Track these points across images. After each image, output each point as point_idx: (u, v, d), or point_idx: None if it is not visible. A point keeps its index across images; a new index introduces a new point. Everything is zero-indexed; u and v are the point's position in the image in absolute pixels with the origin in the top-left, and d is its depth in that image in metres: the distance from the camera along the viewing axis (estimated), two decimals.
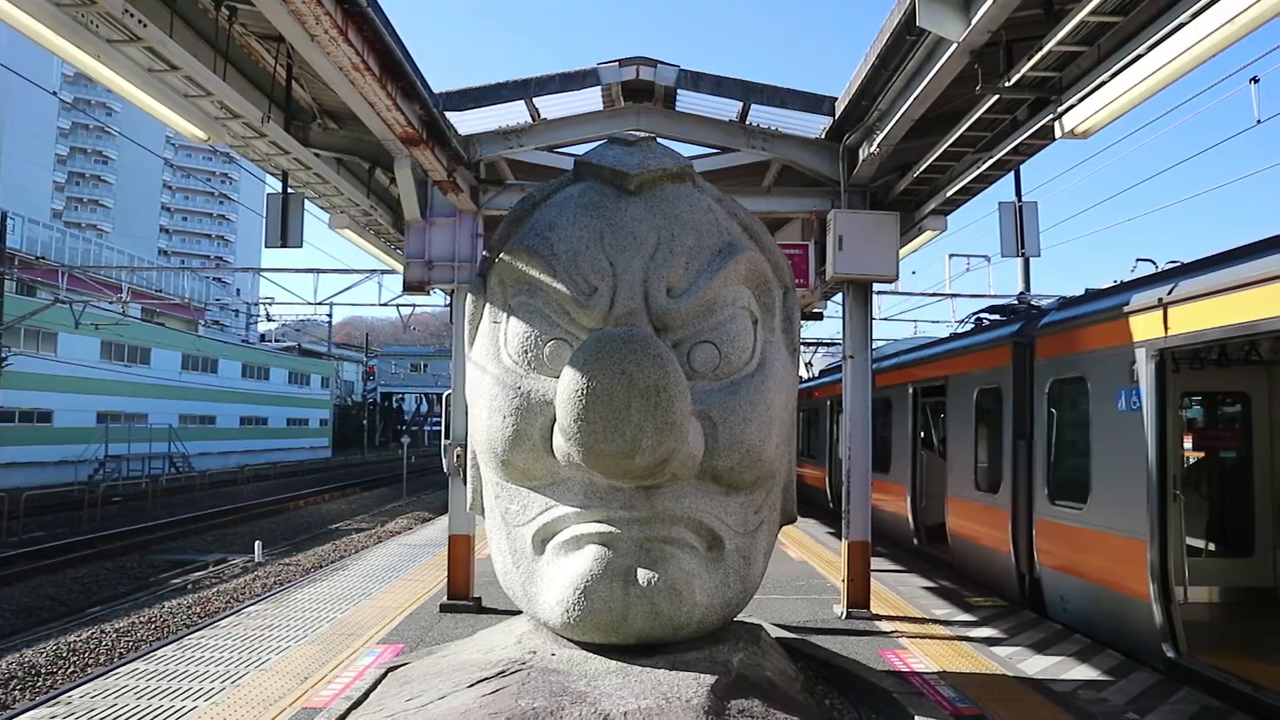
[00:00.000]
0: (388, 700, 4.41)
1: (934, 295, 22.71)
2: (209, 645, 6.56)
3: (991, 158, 6.14)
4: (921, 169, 6.89)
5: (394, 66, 5.16)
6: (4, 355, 29.71)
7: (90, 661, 9.77)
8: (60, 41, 3.97)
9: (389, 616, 7.55)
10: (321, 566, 14.83)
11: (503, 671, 4.37)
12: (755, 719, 4.00)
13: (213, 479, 34.90)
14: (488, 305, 4.81)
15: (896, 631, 7.11)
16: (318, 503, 29.68)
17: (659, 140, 5.49)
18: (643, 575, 4.20)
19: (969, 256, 22.88)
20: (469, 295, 5.07)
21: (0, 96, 61.74)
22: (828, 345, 27.04)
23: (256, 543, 18.52)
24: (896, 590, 8.81)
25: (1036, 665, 6.24)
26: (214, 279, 73.98)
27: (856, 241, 7.24)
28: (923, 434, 11.71)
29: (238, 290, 70.94)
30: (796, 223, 9.63)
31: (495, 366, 4.53)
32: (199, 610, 12.48)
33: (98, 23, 4.08)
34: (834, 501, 15.70)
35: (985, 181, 7.02)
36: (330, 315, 54.69)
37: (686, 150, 8.60)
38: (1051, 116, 5.20)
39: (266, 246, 6.80)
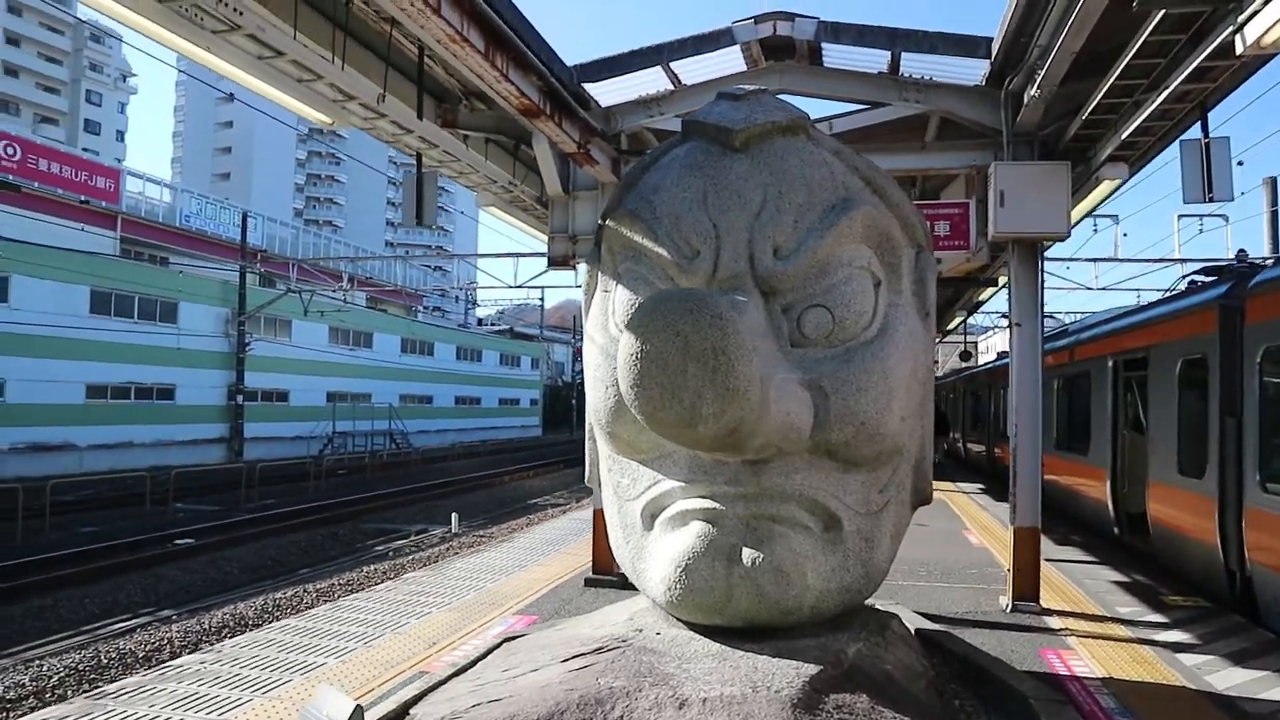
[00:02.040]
0: (488, 670, 4.42)
1: (1156, 261, 20.44)
2: (360, 607, 6.93)
3: (1167, 88, 5.30)
4: (1089, 109, 6.08)
5: (500, 38, 5.13)
6: (248, 341, 33.13)
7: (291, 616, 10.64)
8: (173, 37, 4.22)
9: (535, 588, 7.68)
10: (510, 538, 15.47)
11: (601, 648, 4.27)
12: (857, 715, 3.67)
13: (426, 455, 37.37)
14: (600, 274, 4.71)
15: (1066, 629, 6.38)
16: (522, 479, 31.01)
17: (779, 96, 5.12)
18: (747, 555, 3.98)
19: (1201, 216, 20.51)
20: (585, 266, 4.99)
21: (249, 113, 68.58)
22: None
23: (454, 514, 19.54)
24: (1081, 584, 7.96)
25: (1230, 679, 5.38)
26: (435, 267, 78.98)
27: (1021, 196, 6.52)
28: (1127, 412, 10.55)
29: (458, 277, 75.29)
30: (962, 180, 8.86)
31: (602, 336, 4.43)
32: (391, 575, 13.30)
33: (202, 16, 4.30)
34: None
35: (1169, 119, 6.09)
36: (542, 299, 56.92)
37: (835, 108, 8.15)
38: (1231, 29, 4.38)
39: (401, 225, 7.03)
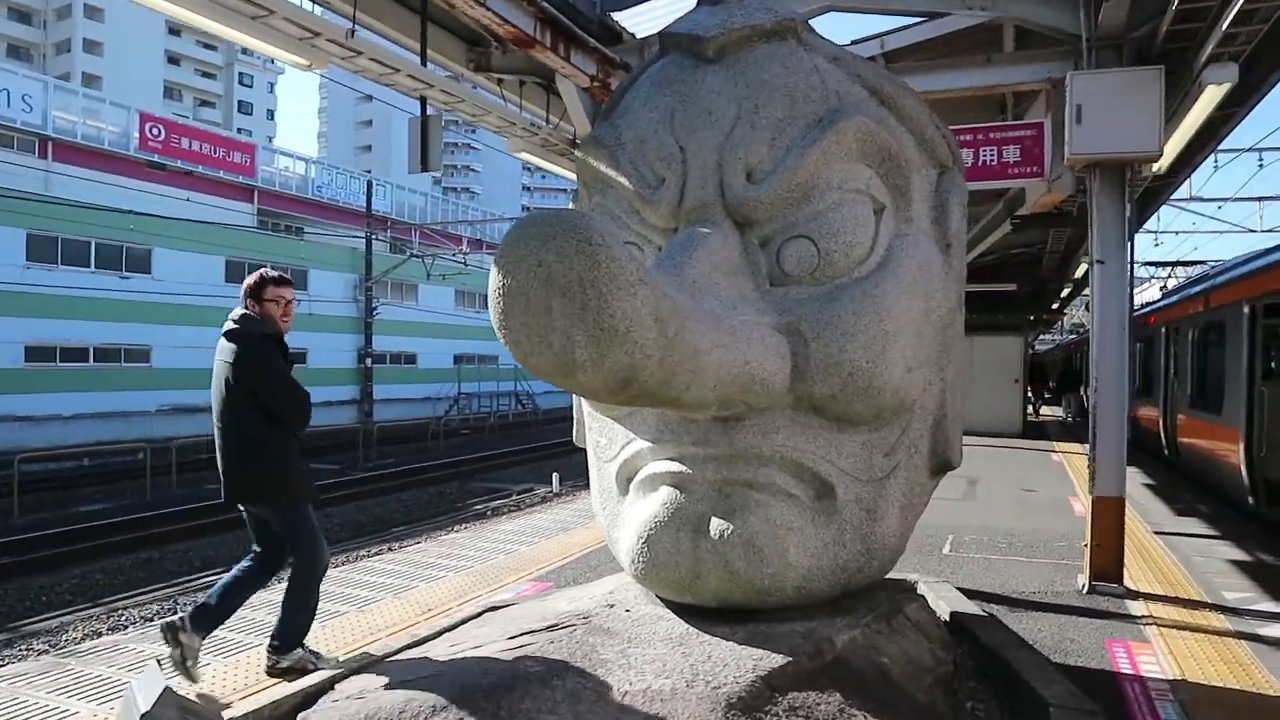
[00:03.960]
0: (437, 646, 4.08)
1: None
2: (376, 569, 6.74)
3: None
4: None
5: None
6: (375, 305, 34.27)
7: None
8: None
9: (568, 554, 7.30)
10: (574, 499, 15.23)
11: (555, 625, 3.88)
12: (815, 718, 3.11)
13: (548, 415, 37.91)
14: None
15: (1148, 616, 5.45)
16: None
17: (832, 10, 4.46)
18: (715, 526, 3.47)
19: None
20: (571, 205, 4.56)
21: None
22: (1184, 265, 22.81)
23: (554, 474, 19.50)
24: (1188, 562, 6.91)
25: None
26: None
27: (1102, 110, 5.53)
28: (1267, 364, 9.19)
29: None
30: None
31: None
32: (474, 535, 13.27)
33: None
34: (1169, 448, 13.17)
35: None
36: None
37: (892, 22, 7.26)
38: None
39: (409, 172, 6.71)
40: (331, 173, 42.00)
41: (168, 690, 2.63)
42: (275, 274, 4.43)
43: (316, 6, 5.32)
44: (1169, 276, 23.20)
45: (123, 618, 8.97)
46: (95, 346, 24.73)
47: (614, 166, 3.90)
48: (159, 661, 2.74)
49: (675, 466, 3.64)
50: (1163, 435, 13.44)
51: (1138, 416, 15.58)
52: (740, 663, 3.30)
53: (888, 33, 7.21)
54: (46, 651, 7.88)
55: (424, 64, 5.98)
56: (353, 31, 5.30)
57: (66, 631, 8.62)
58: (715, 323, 3.05)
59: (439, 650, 3.90)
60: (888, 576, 4.35)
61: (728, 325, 3.13)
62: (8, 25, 55.66)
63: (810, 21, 4.15)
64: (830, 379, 3.42)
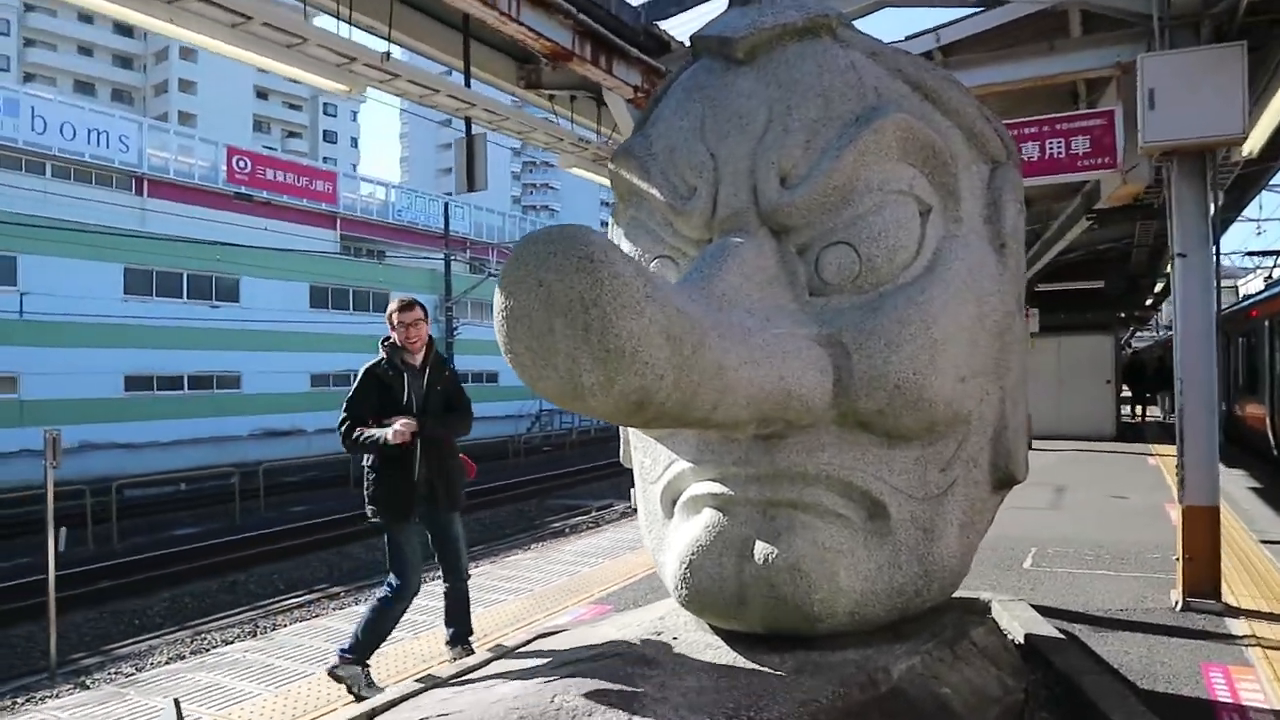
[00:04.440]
0: (481, 675, 4.00)
1: None
2: (437, 593, 6.68)
3: None
4: None
5: None
6: (455, 326, 34.90)
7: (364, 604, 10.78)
8: (127, 11, 4.01)
9: (632, 574, 7.14)
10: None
11: (598, 655, 3.76)
12: None
13: None
14: (615, 227, 4.17)
15: (1251, 636, 5.01)
16: None
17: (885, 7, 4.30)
18: (760, 550, 3.31)
19: None
20: (610, 218, 4.49)
21: None
22: None
23: (632, 490, 19.36)
24: None
25: None
26: None
27: (1178, 93, 5.14)
28: None
29: None
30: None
31: None
32: (540, 555, 13.25)
33: None
34: (1278, 448, 12.35)
35: None
36: None
37: (948, 15, 6.95)
38: None
39: (456, 193, 6.70)
40: (411, 196, 43.01)
41: None
42: (400, 300, 4.81)
43: (355, 31, 5.34)
44: (1275, 266, 21.86)
45: (204, 641, 9.20)
46: (189, 374, 25.77)
47: (645, 178, 3.77)
48: (176, 702, 2.71)
49: (717, 488, 3.47)
50: (1270, 434, 12.62)
51: (1244, 415, 14.69)
52: (786, 695, 3.12)
53: (943, 26, 6.91)
54: (133, 674, 8.11)
55: (468, 83, 5.97)
56: (388, 55, 5.30)
57: (152, 655, 8.88)
58: (744, 337, 2.88)
59: (482, 680, 3.82)
60: (958, 595, 4.10)
61: (759, 339, 2.96)
62: (111, 70, 59.14)
63: (864, 19, 3.90)
64: (875, 393, 3.22)
